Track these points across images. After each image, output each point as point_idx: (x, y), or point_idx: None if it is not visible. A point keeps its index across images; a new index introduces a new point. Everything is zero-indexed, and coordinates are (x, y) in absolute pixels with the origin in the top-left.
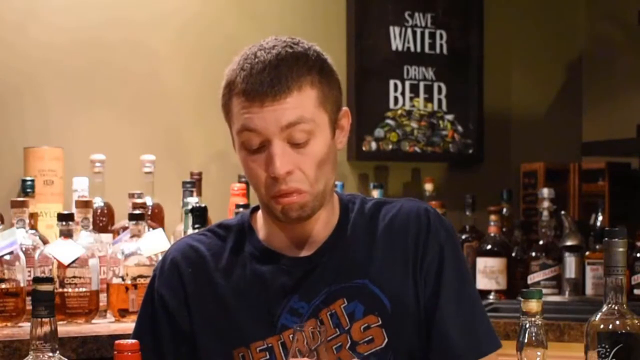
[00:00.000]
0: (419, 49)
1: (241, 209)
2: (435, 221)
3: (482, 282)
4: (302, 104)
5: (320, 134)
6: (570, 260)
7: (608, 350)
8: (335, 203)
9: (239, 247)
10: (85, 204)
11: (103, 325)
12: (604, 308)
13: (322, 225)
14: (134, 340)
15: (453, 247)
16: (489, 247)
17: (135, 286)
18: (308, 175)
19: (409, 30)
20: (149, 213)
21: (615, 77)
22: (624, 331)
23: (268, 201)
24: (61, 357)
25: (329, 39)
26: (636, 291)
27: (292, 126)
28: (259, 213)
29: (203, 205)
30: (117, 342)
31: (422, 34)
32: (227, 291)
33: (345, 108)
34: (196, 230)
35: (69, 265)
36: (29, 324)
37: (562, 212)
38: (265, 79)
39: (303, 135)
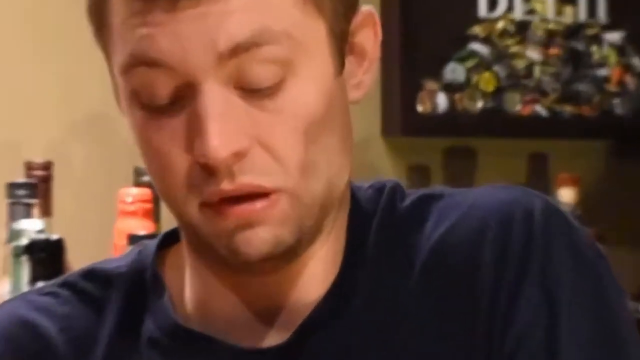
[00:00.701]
0: None
1: (141, 242)
2: (546, 231)
3: None
4: (265, 1)
5: (308, 66)
6: None
7: None
8: (345, 216)
9: (131, 325)
10: None
11: None
12: None
13: (319, 270)
14: None
15: (584, 277)
16: None
17: None
18: (284, 158)
19: None
20: None
21: None
22: None
23: (196, 218)
24: None
25: None
26: None
27: (245, 51)
28: (177, 248)
29: (54, 237)
30: None
31: None
32: None
33: (366, 8)
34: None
35: None
36: None
37: None
38: None
39: (269, 70)
